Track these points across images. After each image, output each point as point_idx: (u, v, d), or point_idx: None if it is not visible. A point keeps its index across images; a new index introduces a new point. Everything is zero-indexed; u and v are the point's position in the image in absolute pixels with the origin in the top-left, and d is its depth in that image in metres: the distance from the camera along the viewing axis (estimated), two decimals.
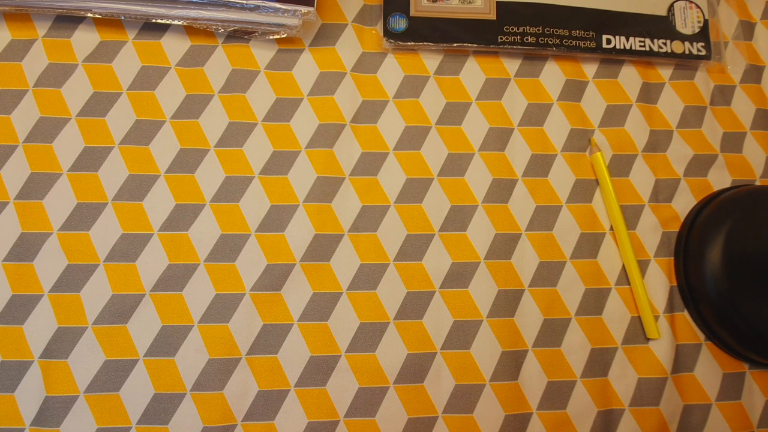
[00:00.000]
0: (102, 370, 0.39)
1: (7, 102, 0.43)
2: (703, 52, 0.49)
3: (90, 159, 0.43)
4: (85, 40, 0.45)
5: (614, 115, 0.48)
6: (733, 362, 0.44)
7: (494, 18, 0.47)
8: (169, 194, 0.43)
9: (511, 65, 0.48)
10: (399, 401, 0.41)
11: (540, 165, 0.46)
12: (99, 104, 0.44)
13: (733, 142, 0.48)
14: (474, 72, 0.47)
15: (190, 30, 0.46)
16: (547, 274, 0.44)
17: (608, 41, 0.48)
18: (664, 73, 0.49)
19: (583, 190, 0.46)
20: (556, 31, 0.47)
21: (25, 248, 0.41)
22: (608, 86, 0.48)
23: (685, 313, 0.45)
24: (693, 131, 0.48)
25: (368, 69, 0.47)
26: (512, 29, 0.47)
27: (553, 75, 0.48)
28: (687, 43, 0.49)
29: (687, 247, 0.44)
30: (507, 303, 0.43)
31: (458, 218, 0.44)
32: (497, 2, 0.48)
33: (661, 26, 0.49)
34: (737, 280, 0.42)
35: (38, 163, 0.42)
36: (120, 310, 0.40)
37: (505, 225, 0.45)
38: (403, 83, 0.47)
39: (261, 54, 0.46)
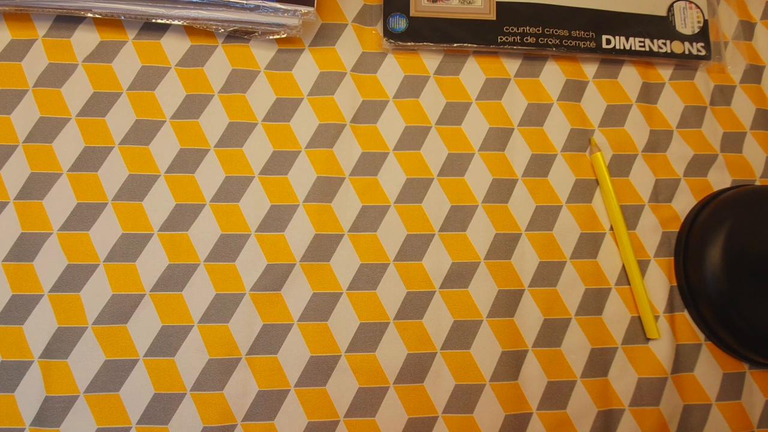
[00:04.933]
0: (102, 370, 0.39)
1: (7, 102, 0.43)
2: (703, 53, 0.49)
3: (90, 159, 0.43)
4: (85, 40, 0.45)
5: (614, 115, 0.48)
6: (733, 362, 0.44)
7: (494, 18, 0.47)
8: (169, 194, 0.43)
9: (511, 65, 0.48)
10: (399, 401, 0.41)
11: (540, 165, 0.46)
12: (99, 104, 0.44)
13: (733, 142, 0.48)
14: (474, 72, 0.47)
15: (190, 30, 0.46)
16: (547, 274, 0.44)
17: (608, 41, 0.48)
18: (664, 73, 0.49)
19: (583, 190, 0.46)
20: (556, 32, 0.47)
21: (25, 248, 0.41)
22: (608, 86, 0.48)
23: (685, 313, 0.45)
24: (693, 131, 0.48)
25: (368, 69, 0.47)
26: (512, 29, 0.47)
27: (553, 75, 0.48)
28: (687, 44, 0.49)
29: (687, 247, 0.44)
30: (507, 303, 0.43)
31: (458, 218, 0.44)
32: (497, 2, 0.48)
33: (660, 26, 0.49)
34: (737, 280, 0.42)
35: (38, 163, 0.42)
36: (120, 310, 0.40)
37: (505, 225, 0.45)
38: (403, 83, 0.47)
39: (261, 54, 0.46)
